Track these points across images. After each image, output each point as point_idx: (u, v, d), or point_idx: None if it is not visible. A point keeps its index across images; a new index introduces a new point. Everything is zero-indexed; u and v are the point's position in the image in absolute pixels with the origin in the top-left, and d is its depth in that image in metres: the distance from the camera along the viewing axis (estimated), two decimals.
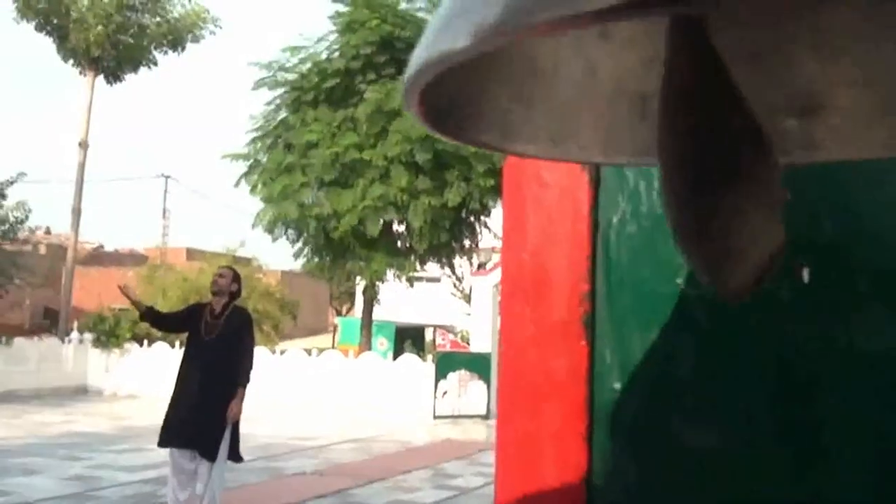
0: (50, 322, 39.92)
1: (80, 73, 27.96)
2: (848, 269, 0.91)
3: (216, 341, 7.30)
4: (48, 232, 47.50)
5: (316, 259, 21.37)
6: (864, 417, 0.91)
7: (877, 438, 0.92)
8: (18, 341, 20.31)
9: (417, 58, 0.60)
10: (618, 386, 0.93)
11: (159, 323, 7.97)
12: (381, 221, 19.50)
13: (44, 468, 10.56)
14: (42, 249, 39.90)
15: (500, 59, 0.76)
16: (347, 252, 20.19)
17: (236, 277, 7.62)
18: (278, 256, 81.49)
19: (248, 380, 7.41)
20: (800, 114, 0.79)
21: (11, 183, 25.41)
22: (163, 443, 7.36)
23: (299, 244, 21.13)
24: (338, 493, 9.54)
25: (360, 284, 27.99)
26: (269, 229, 20.42)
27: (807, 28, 0.78)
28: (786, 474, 0.92)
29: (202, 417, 7.22)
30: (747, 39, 0.73)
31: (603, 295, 0.96)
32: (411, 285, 22.13)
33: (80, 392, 20.31)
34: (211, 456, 7.29)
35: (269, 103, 20.95)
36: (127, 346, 20.64)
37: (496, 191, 19.42)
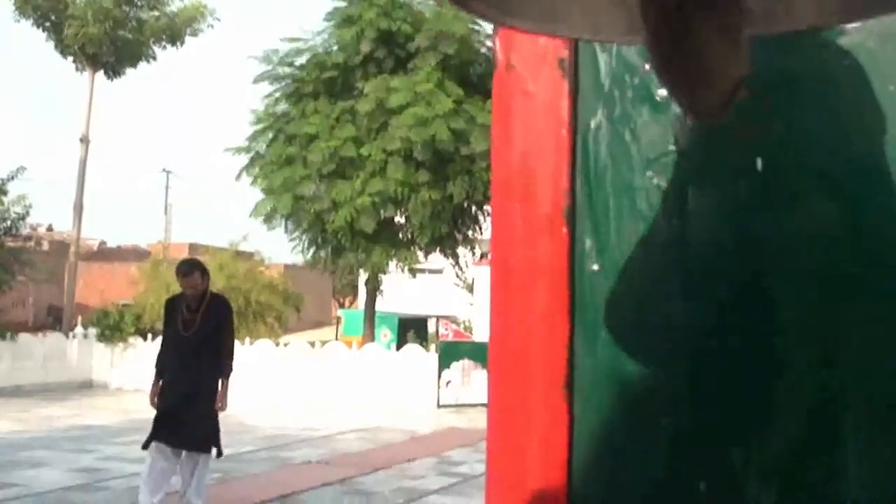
0: (53, 319, 40.00)
1: (79, 69, 28.00)
2: (796, 165, 1.05)
3: (196, 336, 7.16)
4: (50, 229, 47.54)
5: (312, 251, 21.40)
6: (810, 295, 1.04)
7: (822, 314, 1.04)
8: (24, 337, 20.40)
9: None
10: (595, 267, 1.09)
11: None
12: (380, 215, 19.51)
13: (52, 461, 10.65)
14: (45, 246, 39.96)
15: None
16: (344, 246, 20.22)
17: (204, 272, 7.38)
18: (281, 250, 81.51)
19: (231, 371, 7.42)
20: None
21: (12, 178, 25.39)
22: (156, 441, 7.13)
23: (297, 236, 21.16)
24: (344, 480, 9.62)
25: (363, 277, 28.07)
26: (267, 220, 20.46)
27: None
28: (739, 342, 1.06)
29: (194, 415, 7.16)
30: None
31: (582, 190, 1.11)
32: (414, 276, 22.16)
33: (86, 387, 20.41)
34: (208, 448, 7.29)
35: (268, 96, 20.99)
36: (131, 340, 20.72)
37: None
